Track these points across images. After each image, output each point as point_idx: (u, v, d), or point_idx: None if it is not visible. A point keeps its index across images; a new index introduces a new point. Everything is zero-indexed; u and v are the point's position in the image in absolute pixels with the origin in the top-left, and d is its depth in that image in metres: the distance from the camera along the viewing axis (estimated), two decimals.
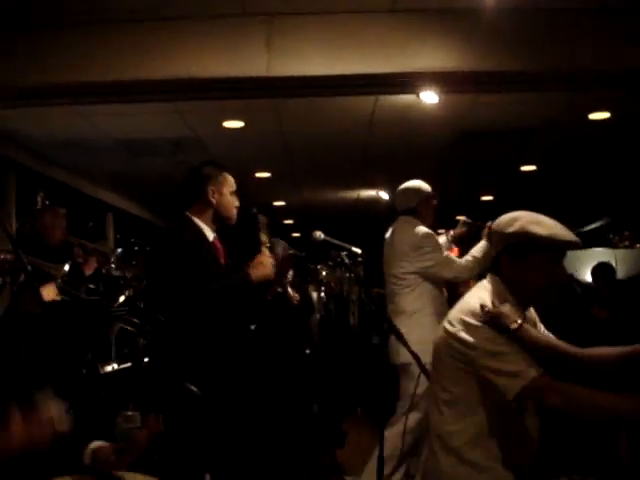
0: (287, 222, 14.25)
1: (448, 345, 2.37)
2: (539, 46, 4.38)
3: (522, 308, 2.44)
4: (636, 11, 4.36)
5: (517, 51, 4.38)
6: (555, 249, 2.38)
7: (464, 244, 4.88)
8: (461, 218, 4.87)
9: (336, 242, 3.82)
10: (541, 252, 2.36)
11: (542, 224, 2.36)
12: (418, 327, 4.30)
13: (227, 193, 3.39)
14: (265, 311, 3.74)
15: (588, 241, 14.08)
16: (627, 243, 12.74)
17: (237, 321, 3.31)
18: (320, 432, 6.75)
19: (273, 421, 6.41)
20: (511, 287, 2.42)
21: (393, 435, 4.19)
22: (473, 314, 2.32)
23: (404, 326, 4.37)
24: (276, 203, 11.85)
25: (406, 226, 4.56)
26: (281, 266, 3.58)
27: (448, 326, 2.39)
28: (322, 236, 3.66)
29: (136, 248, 13.41)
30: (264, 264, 3.31)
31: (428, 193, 4.62)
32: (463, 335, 2.32)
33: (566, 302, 6.13)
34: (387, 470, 4.16)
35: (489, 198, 11.66)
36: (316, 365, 7.89)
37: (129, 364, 5.33)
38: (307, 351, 7.93)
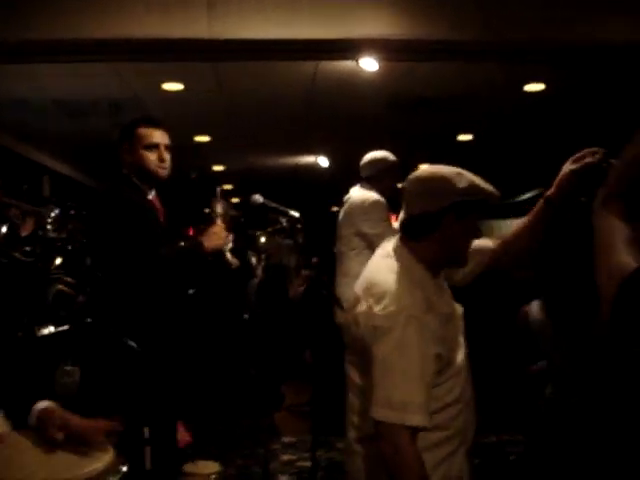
0: (227, 187, 14.17)
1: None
2: (477, 17, 4.46)
3: (433, 275, 2.21)
4: None
5: (455, 21, 4.45)
6: (485, 206, 2.17)
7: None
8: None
9: (274, 205, 3.86)
10: (478, 210, 2.17)
11: (477, 179, 2.16)
12: None
13: (139, 148, 3.24)
14: (204, 276, 3.75)
15: (520, 211, 14.38)
16: None
17: (178, 285, 3.32)
18: (258, 395, 6.83)
19: (211, 384, 6.48)
20: (434, 254, 2.18)
21: None
22: (385, 314, 2.06)
23: (349, 288, 4.49)
24: (216, 168, 11.77)
25: (361, 191, 4.66)
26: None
27: (362, 308, 2.17)
28: (261, 199, 3.68)
29: (72, 212, 13.24)
30: (218, 234, 3.28)
31: (390, 164, 4.69)
32: (372, 332, 2.08)
33: None
34: None
35: (425, 165, 11.77)
36: (254, 330, 7.94)
37: (66, 327, 5.31)
38: (245, 316, 7.97)
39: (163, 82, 6.47)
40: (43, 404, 1.99)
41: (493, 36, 4.51)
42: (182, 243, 3.30)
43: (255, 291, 8.98)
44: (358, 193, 4.66)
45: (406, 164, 10.27)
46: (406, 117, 8.07)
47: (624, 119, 8.33)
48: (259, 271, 9.45)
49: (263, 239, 11.02)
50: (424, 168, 2.36)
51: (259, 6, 4.38)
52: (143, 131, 3.28)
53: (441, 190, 2.13)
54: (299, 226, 3.99)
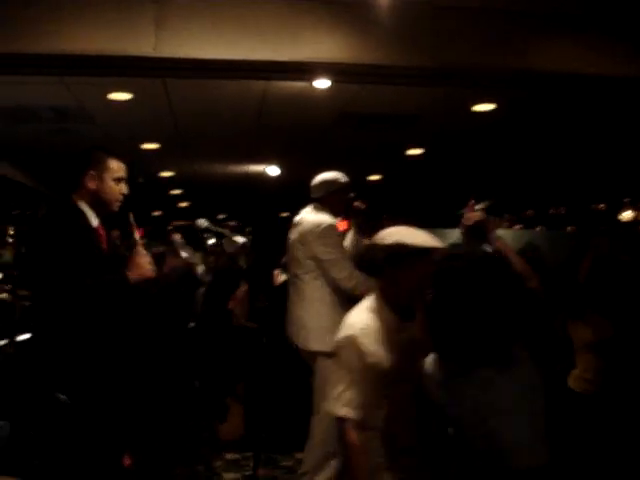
0: (175, 192, 14.05)
1: None
2: (425, 42, 4.50)
3: (398, 313, 2.81)
4: (521, 12, 4.56)
5: (403, 46, 4.49)
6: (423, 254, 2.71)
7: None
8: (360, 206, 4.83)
9: (219, 230, 3.84)
10: (418, 259, 2.71)
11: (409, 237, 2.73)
12: (318, 316, 4.41)
13: (109, 179, 3.32)
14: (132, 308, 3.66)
15: None
16: (506, 224, 13.35)
17: (105, 320, 3.24)
18: (201, 406, 6.75)
19: (153, 399, 6.38)
20: (391, 293, 2.79)
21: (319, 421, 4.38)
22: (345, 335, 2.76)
23: (304, 312, 4.49)
24: (164, 174, 11.63)
25: (314, 214, 4.55)
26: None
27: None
28: (205, 223, 3.67)
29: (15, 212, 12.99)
30: (140, 264, 3.26)
31: (341, 185, 4.59)
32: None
33: None
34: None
35: (376, 178, 11.87)
36: (199, 339, 7.84)
37: (4, 341, 5.20)
38: (191, 324, 7.86)
39: (110, 92, 6.36)
40: None
41: (442, 63, 4.54)
42: (108, 276, 3.22)
43: (202, 297, 8.87)
44: (311, 216, 4.55)
45: (357, 177, 10.40)
46: (356, 131, 8.09)
47: (571, 137, 8.56)
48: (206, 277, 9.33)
49: (211, 241, 10.94)
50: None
51: (208, 25, 4.34)
52: (115, 164, 3.36)
53: (378, 246, 2.80)
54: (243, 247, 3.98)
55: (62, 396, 2.27)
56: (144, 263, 3.27)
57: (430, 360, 2.65)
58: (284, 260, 5.35)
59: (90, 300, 3.07)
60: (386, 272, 2.77)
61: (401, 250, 2.69)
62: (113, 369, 3.15)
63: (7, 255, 9.81)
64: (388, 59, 4.50)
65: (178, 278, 7.08)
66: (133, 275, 3.20)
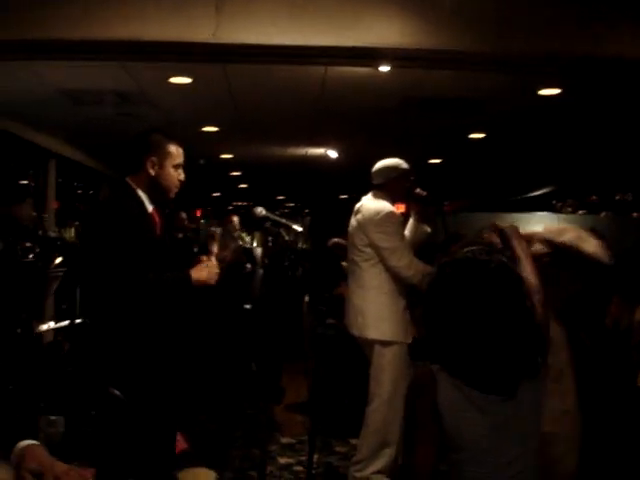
0: (235, 174, 14.13)
1: None
2: (489, 27, 4.36)
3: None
4: None
5: (468, 31, 4.35)
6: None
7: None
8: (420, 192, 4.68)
9: (277, 218, 3.81)
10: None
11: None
12: (375, 304, 4.38)
13: (169, 166, 3.25)
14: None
15: (533, 206, 14.34)
16: (570, 209, 13.06)
17: (163, 317, 3.22)
18: (258, 389, 6.78)
19: (210, 380, 6.42)
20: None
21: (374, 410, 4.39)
22: None
23: (362, 300, 4.47)
24: (223, 156, 11.71)
25: (374, 201, 4.51)
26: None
27: None
28: (263, 212, 3.63)
29: (79, 191, 13.26)
30: (208, 270, 3.25)
31: (401, 172, 4.52)
32: None
33: None
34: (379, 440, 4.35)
35: (437, 161, 11.73)
36: (256, 321, 7.86)
37: (66, 322, 5.28)
38: (247, 306, 7.87)
39: (171, 76, 6.38)
40: (25, 443, 1.92)
41: (506, 48, 4.41)
42: (170, 273, 3.23)
43: (260, 279, 8.87)
44: (371, 203, 4.51)
45: (418, 161, 10.30)
46: (417, 116, 7.96)
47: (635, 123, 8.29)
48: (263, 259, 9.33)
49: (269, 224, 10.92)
50: None
51: (268, 10, 4.28)
52: (175, 150, 3.30)
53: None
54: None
55: (116, 391, 2.26)
56: (212, 272, 3.25)
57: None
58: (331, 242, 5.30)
59: (150, 295, 3.07)
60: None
61: (574, 253, 2.65)
62: (168, 361, 3.16)
63: (70, 233, 9.95)
64: (451, 44, 4.38)
65: (234, 260, 7.10)
66: (197, 277, 3.19)
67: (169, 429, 3.13)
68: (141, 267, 3.01)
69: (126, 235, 3.03)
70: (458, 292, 1.98)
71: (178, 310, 3.21)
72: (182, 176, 3.32)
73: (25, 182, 9.48)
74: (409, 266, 4.29)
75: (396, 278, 4.36)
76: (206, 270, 3.23)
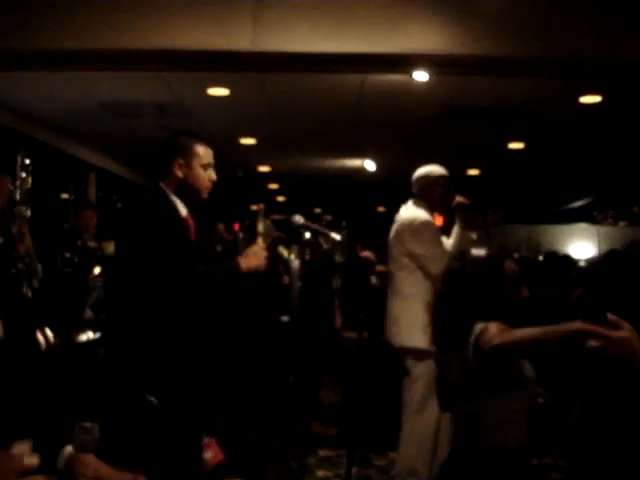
0: (272, 187, 14.15)
1: None
2: (530, 32, 4.32)
3: None
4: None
5: (507, 36, 4.32)
6: None
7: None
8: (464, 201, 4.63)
9: (315, 227, 3.77)
10: None
11: None
12: (409, 312, 4.33)
13: (197, 166, 3.18)
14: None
15: (572, 217, 14.16)
16: (610, 221, 12.85)
17: (208, 314, 3.21)
18: (295, 401, 6.75)
19: (248, 392, 6.40)
20: None
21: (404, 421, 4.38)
22: None
23: (397, 308, 4.43)
24: (261, 168, 11.73)
25: (411, 210, 4.49)
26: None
27: None
28: (301, 220, 3.59)
29: (119, 205, 13.39)
30: (257, 255, 3.14)
31: (434, 179, 4.48)
32: None
33: None
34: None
35: (475, 172, 11.62)
36: (294, 334, 7.84)
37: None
38: (284, 318, 7.84)
39: (208, 88, 6.42)
40: (71, 449, 1.90)
41: (544, 52, 4.34)
42: (218, 265, 3.19)
43: (297, 292, 8.84)
44: (408, 212, 4.49)
45: (456, 172, 10.24)
46: (455, 125, 7.91)
47: None
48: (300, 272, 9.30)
49: (308, 234, 10.95)
50: None
51: (305, 18, 4.28)
52: (202, 150, 3.23)
53: None
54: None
55: (152, 398, 2.24)
56: (259, 253, 3.16)
57: None
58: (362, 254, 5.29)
59: (202, 288, 3.03)
60: None
61: None
62: (206, 369, 3.12)
63: (110, 246, 10.02)
64: (490, 50, 4.33)
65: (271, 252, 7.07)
66: (246, 264, 3.10)
67: (199, 437, 3.09)
68: (189, 262, 2.97)
69: (168, 233, 3.00)
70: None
71: (224, 310, 3.16)
72: (213, 176, 3.25)
73: (66, 196, 9.59)
74: None
75: (432, 288, 4.29)
76: (254, 256, 3.14)
